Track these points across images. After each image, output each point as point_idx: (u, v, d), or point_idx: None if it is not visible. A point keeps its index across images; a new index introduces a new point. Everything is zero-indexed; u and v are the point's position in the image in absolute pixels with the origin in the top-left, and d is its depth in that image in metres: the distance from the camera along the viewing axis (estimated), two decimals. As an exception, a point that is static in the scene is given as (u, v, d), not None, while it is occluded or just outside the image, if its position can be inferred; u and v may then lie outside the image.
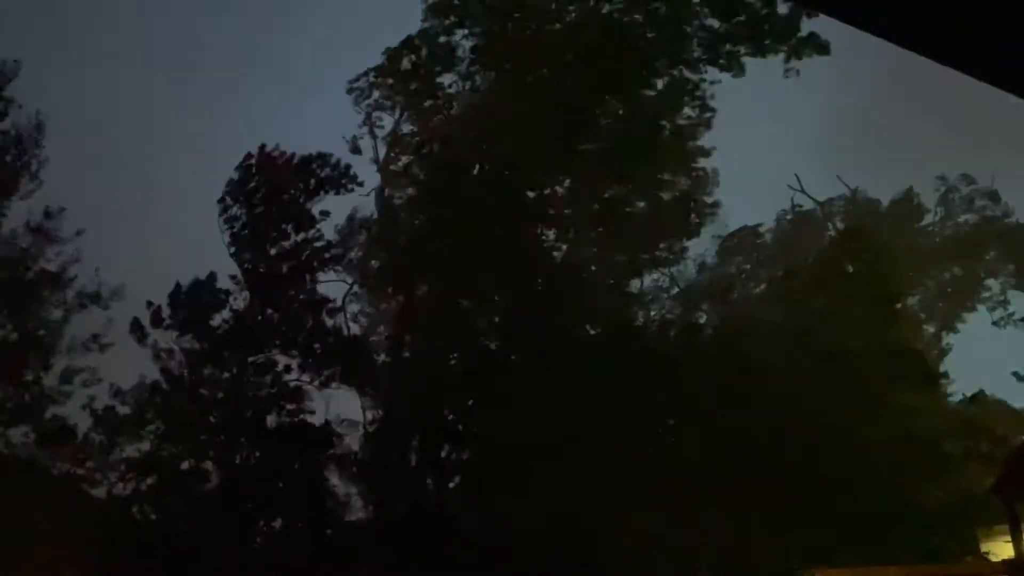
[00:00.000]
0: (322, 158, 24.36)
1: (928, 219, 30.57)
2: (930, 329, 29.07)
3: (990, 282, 30.49)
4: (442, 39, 25.20)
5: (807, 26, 22.88)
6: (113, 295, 22.28)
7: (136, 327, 22.55)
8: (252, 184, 24.11)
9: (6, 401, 20.98)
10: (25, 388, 21.23)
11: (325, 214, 24.15)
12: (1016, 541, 19.56)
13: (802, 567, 19.05)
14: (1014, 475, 19.50)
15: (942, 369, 24.93)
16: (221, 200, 24.08)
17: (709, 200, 25.17)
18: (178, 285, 23.08)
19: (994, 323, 29.62)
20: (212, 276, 23.38)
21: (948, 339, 28.84)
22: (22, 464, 20.79)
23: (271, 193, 23.91)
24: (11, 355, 21.00)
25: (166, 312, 22.91)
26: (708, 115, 24.56)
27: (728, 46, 23.46)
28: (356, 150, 25.62)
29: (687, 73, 23.98)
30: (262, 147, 24.13)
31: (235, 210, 23.96)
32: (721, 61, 23.68)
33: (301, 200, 24.08)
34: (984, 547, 19.71)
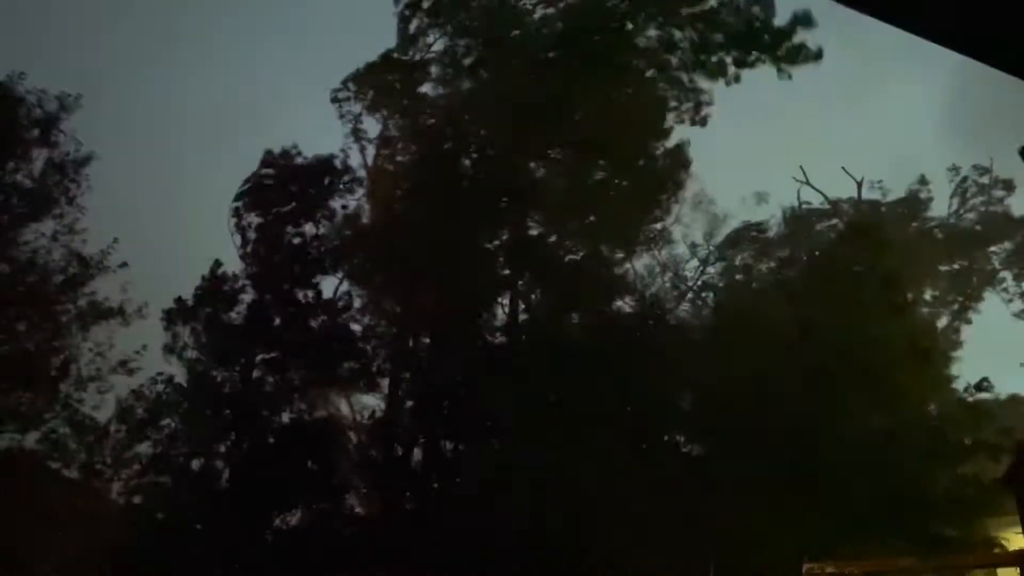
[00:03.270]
0: (330, 163, 24.90)
1: (941, 210, 30.31)
2: (943, 320, 28.84)
3: (1005, 274, 30.20)
4: (419, 54, 25.47)
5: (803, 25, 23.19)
6: (137, 312, 22.52)
7: (169, 319, 22.98)
8: (268, 185, 24.47)
9: (22, 406, 21.31)
10: (41, 394, 21.56)
11: (331, 215, 24.50)
12: (1028, 531, 19.35)
13: (810, 559, 18.97)
14: (1025, 465, 19.32)
15: (954, 360, 24.72)
16: (237, 199, 24.44)
17: (685, 175, 25.23)
18: (200, 283, 23.50)
19: (1015, 315, 29.34)
20: (225, 274, 23.75)
21: (961, 330, 28.59)
22: (35, 466, 21.04)
23: (285, 195, 24.24)
24: (30, 362, 21.33)
25: (184, 309, 23.31)
26: (703, 114, 24.76)
27: (716, 56, 23.79)
28: (345, 160, 25.90)
29: (676, 74, 24.24)
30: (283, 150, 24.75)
31: (248, 210, 24.31)
32: (710, 69, 23.99)
33: (312, 202, 24.45)
34: (995, 537, 19.54)
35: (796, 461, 18.15)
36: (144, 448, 22.52)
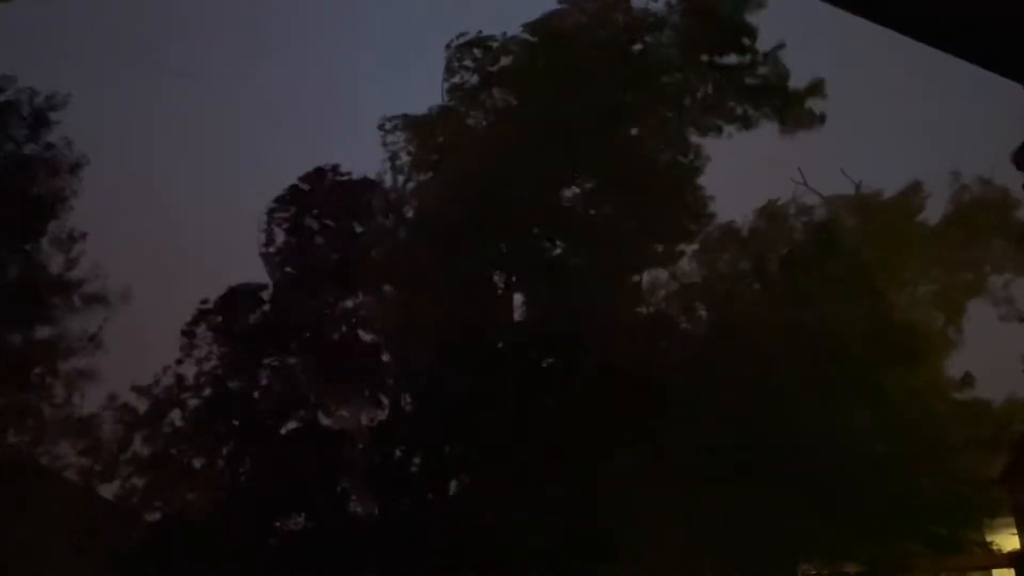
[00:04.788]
0: (372, 184, 25.57)
1: (936, 212, 30.36)
2: (937, 323, 28.89)
3: (994, 278, 30.24)
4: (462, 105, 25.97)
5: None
6: (121, 298, 22.62)
7: (187, 332, 23.17)
8: (307, 200, 24.92)
9: (13, 404, 21.29)
10: (31, 390, 21.54)
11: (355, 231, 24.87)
12: (1022, 532, 19.47)
13: (805, 559, 19.09)
14: (1021, 465, 19.42)
15: (948, 362, 24.79)
16: (273, 209, 24.79)
17: (705, 211, 25.43)
18: (231, 289, 23.80)
19: (1000, 318, 29.39)
20: (257, 284, 24.05)
21: (955, 332, 28.64)
22: (27, 465, 20.98)
23: (323, 211, 24.79)
24: (20, 358, 21.33)
25: (209, 315, 23.56)
26: (702, 162, 25.21)
27: (741, 108, 24.31)
28: (381, 184, 26.27)
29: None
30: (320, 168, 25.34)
31: (282, 221, 24.64)
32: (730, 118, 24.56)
33: (348, 221, 24.94)
34: (989, 538, 19.63)
35: (790, 463, 18.20)
36: (145, 449, 22.56)
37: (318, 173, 25.59)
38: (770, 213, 27.35)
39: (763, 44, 24.54)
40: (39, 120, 22.02)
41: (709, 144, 25.58)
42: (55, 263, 22.14)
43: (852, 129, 37.14)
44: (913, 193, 30.12)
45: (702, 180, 25.46)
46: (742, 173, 29.56)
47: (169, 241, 31.53)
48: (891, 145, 38.72)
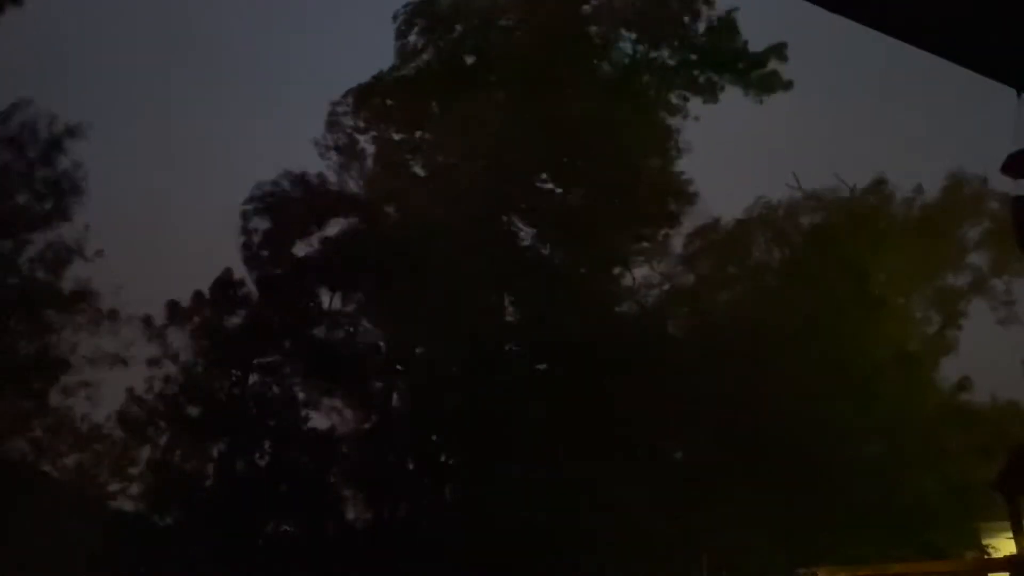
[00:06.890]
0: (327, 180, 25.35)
1: (933, 215, 30.26)
2: (933, 327, 28.82)
3: (994, 281, 30.14)
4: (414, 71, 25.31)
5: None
6: (130, 317, 22.60)
7: (149, 325, 22.90)
8: (282, 196, 24.73)
9: (14, 411, 21.32)
10: (33, 399, 21.57)
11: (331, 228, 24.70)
12: (1018, 536, 19.33)
13: (800, 565, 18.92)
14: (1017, 469, 19.32)
15: (945, 366, 24.74)
16: (247, 205, 24.65)
17: (688, 190, 25.25)
18: (216, 283, 23.75)
19: (999, 322, 29.27)
20: (231, 279, 23.77)
21: (952, 335, 28.55)
22: (28, 471, 20.99)
23: (296, 211, 24.62)
24: (23, 368, 21.33)
25: (183, 311, 23.31)
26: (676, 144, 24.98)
27: (703, 76, 24.13)
28: (342, 170, 25.86)
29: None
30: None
31: (257, 219, 24.38)
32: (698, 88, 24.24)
33: (321, 219, 24.73)
34: (985, 542, 19.56)
35: (786, 468, 18.17)
36: (137, 451, 22.53)
37: (298, 175, 25.35)
38: (761, 213, 27.27)
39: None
40: (54, 147, 22.00)
41: (700, 142, 25.58)
42: (55, 275, 22.13)
43: (850, 130, 37.16)
44: (908, 193, 30.06)
45: (698, 179, 25.44)
46: (733, 172, 29.43)
47: (152, 241, 31.53)
48: (890, 146, 38.72)
